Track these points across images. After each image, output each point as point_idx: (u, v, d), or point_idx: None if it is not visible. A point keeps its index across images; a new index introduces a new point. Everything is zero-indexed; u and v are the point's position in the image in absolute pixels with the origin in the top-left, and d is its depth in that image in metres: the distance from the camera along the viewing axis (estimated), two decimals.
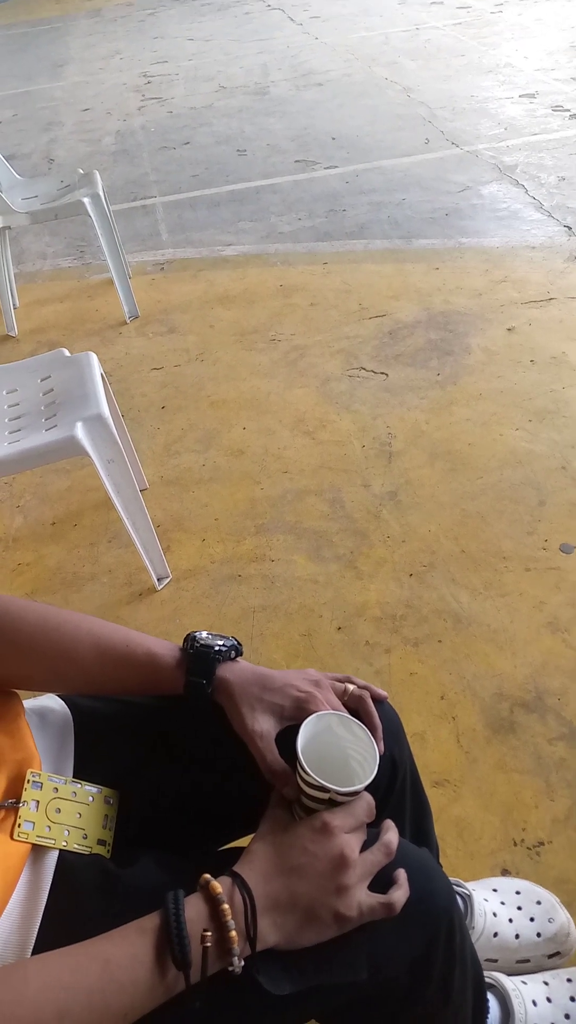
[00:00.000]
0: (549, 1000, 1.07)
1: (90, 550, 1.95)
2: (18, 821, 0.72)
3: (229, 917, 0.62)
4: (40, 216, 2.61)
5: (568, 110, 4.32)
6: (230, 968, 0.62)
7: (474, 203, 3.48)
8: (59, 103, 5.61)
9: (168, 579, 1.83)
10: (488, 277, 2.90)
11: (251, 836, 0.84)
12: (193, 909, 0.63)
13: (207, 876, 0.65)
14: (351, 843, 0.69)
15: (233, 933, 0.62)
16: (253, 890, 0.65)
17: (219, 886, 0.64)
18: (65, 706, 0.87)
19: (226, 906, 0.63)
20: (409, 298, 2.82)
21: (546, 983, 1.09)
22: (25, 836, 0.72)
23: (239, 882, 0.65)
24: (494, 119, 4.33)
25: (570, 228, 3.17)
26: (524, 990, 1.07)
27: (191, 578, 1.83)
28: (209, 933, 0.61)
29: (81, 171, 2.79)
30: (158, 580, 1.81)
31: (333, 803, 0.72)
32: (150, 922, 0.62)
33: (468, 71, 5.11)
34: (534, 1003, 1.06)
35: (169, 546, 1.90)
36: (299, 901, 0.66)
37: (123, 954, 0.60)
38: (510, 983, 1.06)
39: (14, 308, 2.89)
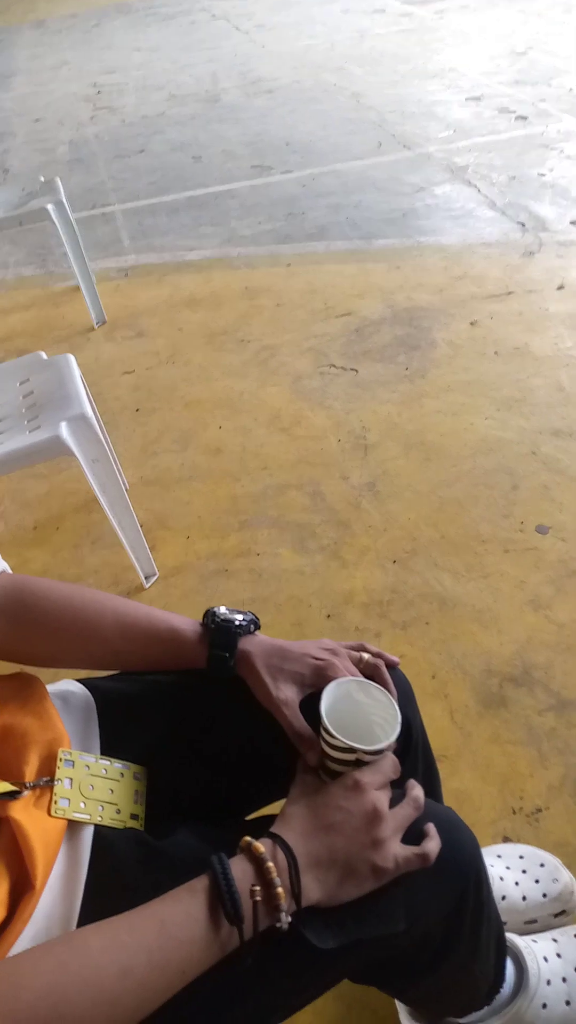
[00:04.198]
0: (559, 955, 1.11)
1: (74, 552, 1.95)
2: (54, 799, 0.74)
3: (275, 874, 0.64)
4: (4, 223, 2.60)
5: (514, 112, 4.44)
6: (278, 924, 0.64)
7: (429, 203, 3.56)
8: (9, 113, 5.57)
9: (155, 577, 1.84)
10: (448, 274, 2.97)
11: (279, 803, 0.87)
12: (239, 869, 0.65)
13: (248, 839, 0.67)
14: (382, 798, 0.72)
15: (280, 889, 0.64)
16: (294, 848, 0.67)
17: (261, 847, 0.66)
18: (84, 688, 0.88)
19: (271, 864, 0.65)
20: (373, 296, 2.87)
21: (555, 940, 1.13)
22: (62, 812, 0.73)
23: (280, 842, 0.67)
24: (443, 122, 4.42)
25: (523, 225, 3.26)
26: (535, 947, 1.10)
27: (178, 575, 1.85)
28: (258, 888, 0.64)
29: (43, 178, 2.79)
30: (146, 578, 1.82)
31: (359, 763, 0.74)
32: (199, 883, 0.64)
33: (414, 76, 5.21)
34: (545, 959, 1.09)
35: (154, 544, 1.92)
36: (338, 856, 0.68)
37: (178, 912, 0.62)
38: (522, 942, 1.10)
39: None
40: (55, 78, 6.21)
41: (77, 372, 1.76)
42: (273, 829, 0.70)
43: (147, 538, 1.86)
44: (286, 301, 2.90)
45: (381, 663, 0.85)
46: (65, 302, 3.05)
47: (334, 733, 0.72)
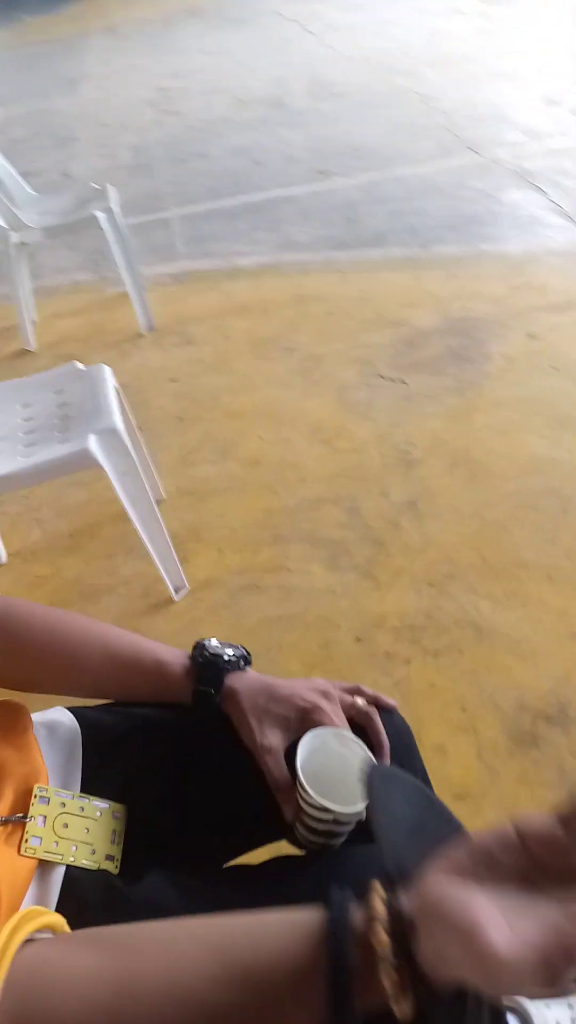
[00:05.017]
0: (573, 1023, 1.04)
1: (108, 562, 1.94)
2: (25, 836, 0.71)
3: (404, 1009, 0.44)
4: (54, 232, 2.62)
5: None
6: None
7: (494, 210, 3.46)
8: (75, 119, 5.65)
9: (185, 590, 1.82)
10: (508, 283, 2.87)
11: (258, 851, 0.82)
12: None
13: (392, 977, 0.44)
14: None
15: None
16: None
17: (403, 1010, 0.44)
18: (74, 719, 0.85)
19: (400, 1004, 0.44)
20: (427, 305, 2.80)
21: (571, 1006, 1.06)
22: (32, 851, 0.71)
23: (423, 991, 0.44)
24: (515, 126, 4.30)
25: None
26: (547, 1013, 1.03)
27: (208, 589, 1.82)
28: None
29: (95, 186, 2.80)
30: (175, 591, 1.80)
31: (338, 823, 0.70)
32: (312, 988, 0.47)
33: (488, 78, 5.10)
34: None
35: (186, 556, 1.89)
36: None
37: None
38: (532, 1006, 1.03)
39: (32, 323, 2.91)
40: (122, 83, 6.28)
41: (111, 383, 1.74)
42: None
43: (179, 550, 1.84)
44: (336, 309, 2.85)
45: (375, 712, 0.80)
46: (116, 308, 3.06)
47: (310, 792, 0.68)
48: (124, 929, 0.53)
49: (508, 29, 6.14)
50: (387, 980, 0.44)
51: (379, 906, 0.46)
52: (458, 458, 2.09)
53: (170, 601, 1.80)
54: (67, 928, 0.58)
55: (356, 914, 0.48)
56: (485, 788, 1.37)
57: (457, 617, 1.67)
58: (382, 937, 0.44)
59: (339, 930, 0.46)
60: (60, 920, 0.58)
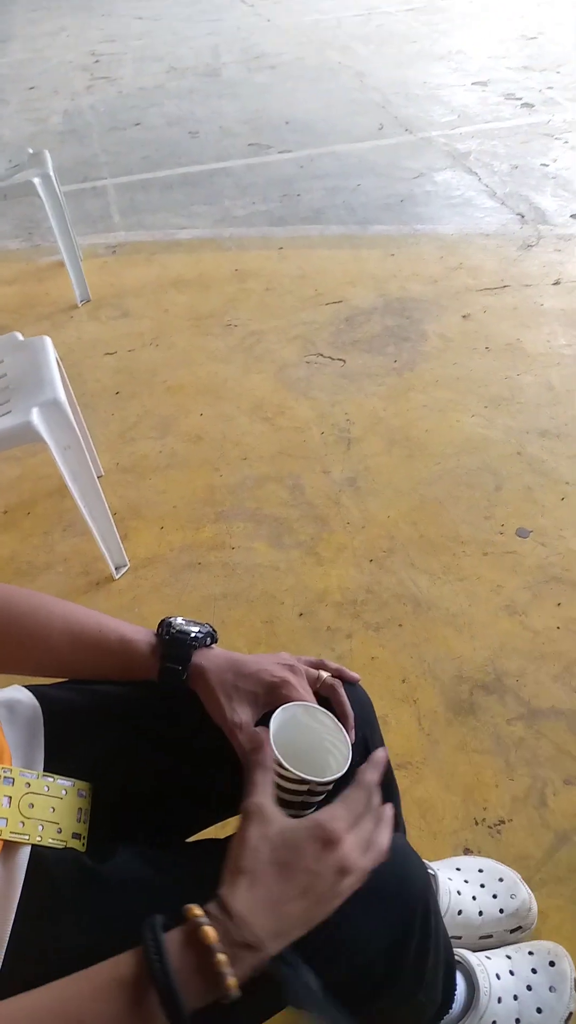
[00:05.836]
0: (512, 973, 1.09)
1: (44, 539, 1.91)
2: None
3: (226, 967, 0.55)
4: None
5: (519, 99, 4.36)
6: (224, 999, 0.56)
7: (428, 190, 3.49)
8: (3, 80, 5.44)
9: (126, 568, 1.80)
10: (443, 264, 2.92)
11: (222, 824, 0.84)
12: (179, 958, 0.56)
13: (196, 918, 0.57)
14: (353, 849, 0.63)
15: (231, 980, 0.55)
16: (254, 927, 0.58)
17: (212, 933, 0.56)
18: (33, 697, 0.85)
19: (223, 957, 0.55)
20: (365, 284, 2.82)
21: (509, 957, 1.12)
22: None
23: (237, 925, 0.57)
24: (447, 106, 4.34)
25: (522, 216, 3.20)
26: (488, 964, 1.09)
27: (150, 566, 1.81)
28: (197, 985, 0.56)
29: (31, 150, 2.72)
30: (116, 569, 1.79)
31: (312, 793, 0.71)
32: (128, 968, 0.55)
33: (421, 57, 5.12)
34: (497, 976, 1.08)
35: (127, 534, 1.88)
36: (302, 919, 0.61)
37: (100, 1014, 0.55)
38: (475, 959, 1.08)
39: None
40: (52, 45, 6.07)
41: (53, 355, 1.71)
42: (226, 897, 0.59)
43: (119, 527, 1.82)
44: (276, 286, 2.84)
45: (339, 684, 0.82)
46: (49, 278, 2.99)
47: (285, 765, 0.69)
48: None
49: (437, 8, 6.17)
50: (223, 963, 0.55)
51: (207, 929, 0.56)
52: (396, 436, 2.13)
53: (111, 579, 1.79)
54: None
55: (177, 939, 0.56)
56: (425, 756, 1.41)
57: (397, 592, 1.71)
58: (211, 933, 0.55)
59: (153, 931, 0.55)
60: None
